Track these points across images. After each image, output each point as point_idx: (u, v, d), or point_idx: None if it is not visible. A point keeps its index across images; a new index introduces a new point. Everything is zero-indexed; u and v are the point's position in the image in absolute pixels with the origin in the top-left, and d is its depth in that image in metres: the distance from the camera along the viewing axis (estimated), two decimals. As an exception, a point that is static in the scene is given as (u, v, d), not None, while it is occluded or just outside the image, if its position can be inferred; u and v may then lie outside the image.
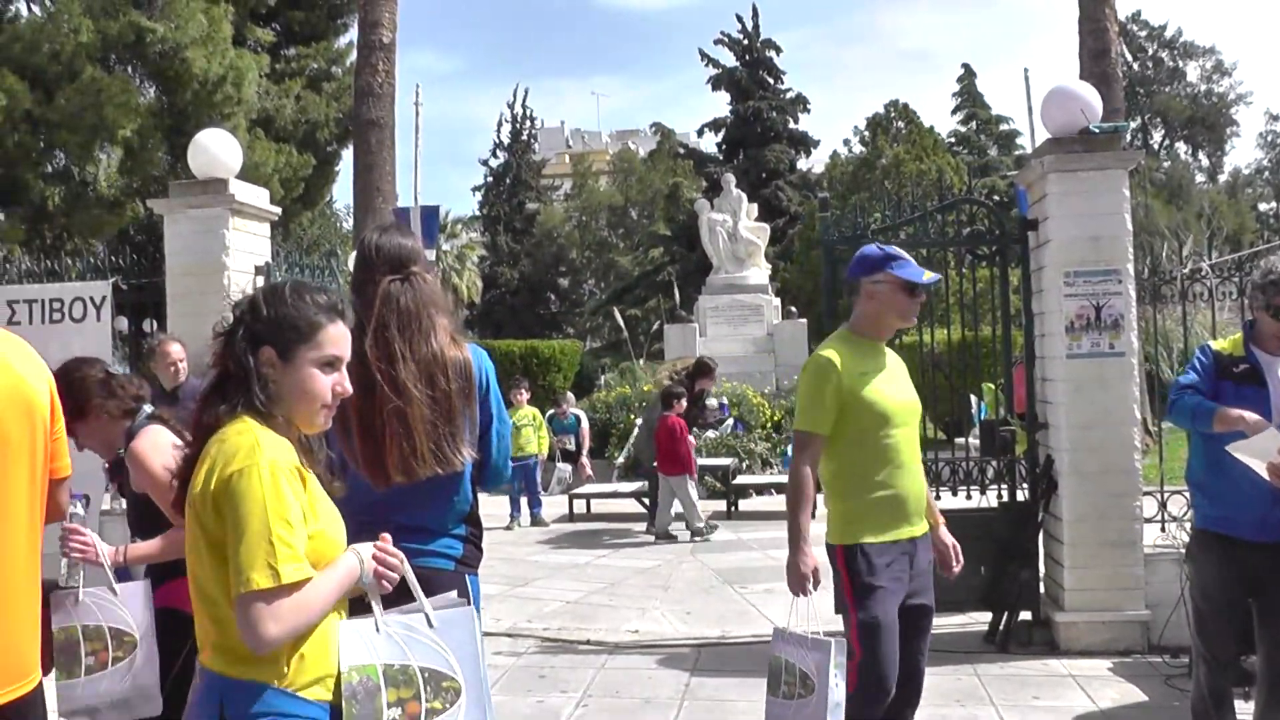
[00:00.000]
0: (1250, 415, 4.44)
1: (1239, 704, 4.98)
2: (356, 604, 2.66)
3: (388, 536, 2.68)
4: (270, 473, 2.43)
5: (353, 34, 24.78)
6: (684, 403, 12.79)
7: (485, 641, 7.27)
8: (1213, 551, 4.80)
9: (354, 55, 20.71)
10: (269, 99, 26.88)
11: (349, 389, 2.73)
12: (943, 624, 7.67)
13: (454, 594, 2.82)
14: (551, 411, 17.18)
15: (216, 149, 8.23)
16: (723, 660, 7.28)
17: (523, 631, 8.01)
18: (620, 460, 17.29)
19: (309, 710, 2.47)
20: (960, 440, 9.70)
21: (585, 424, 16.71)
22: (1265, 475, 4.36)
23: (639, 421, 15.27)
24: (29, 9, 25.24)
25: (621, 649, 7.68)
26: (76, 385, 3.89)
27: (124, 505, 4.53)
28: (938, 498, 8.62)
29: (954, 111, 55.04)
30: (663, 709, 6.35)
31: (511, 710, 6.32)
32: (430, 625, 2.62)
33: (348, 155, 25.01)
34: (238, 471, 2.42)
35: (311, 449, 2.71)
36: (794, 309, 24.11)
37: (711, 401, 16.65)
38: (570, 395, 20.75)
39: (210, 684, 2.48)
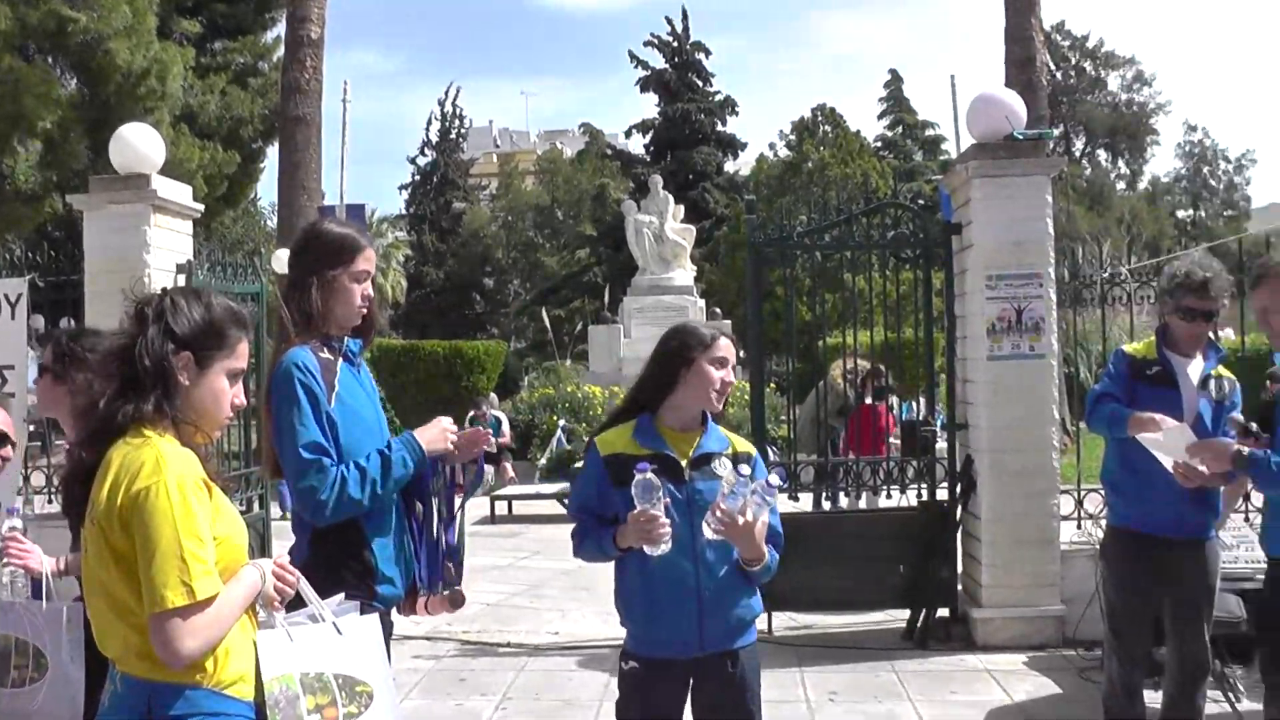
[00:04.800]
0: (1161, 418, 4.57)
1: (1148, 694, 5.11)
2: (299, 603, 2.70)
3: (285, 554, 2.71)
4: (178, 488, 2.40)
5: (281, 29, 24.43)
6: None
7: (404, 645, 7.24)
8: (1127, 548, 4.94)
9: (282, 50, 20.43)
10: (194, 94, 26.38)
11: (245, 401, 2.72)
12: (862, 622, 7.79)
13: (341, 596, 2.84)
14: (472, 413, 17.10)
15: (139, 143, 8.06)
16: None
17: (442, 634, 7.91)
18: (543, 461, 17.26)
19: (236, 708, 2.49)
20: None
21: (506, 426, 16.65)
22: (1172, 471, 4.52)
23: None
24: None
25: (542, 651, 7.64)
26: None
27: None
28: (858, 498, 8.76)
29: (880, 116, 55.69)
30: (583, 710, 6.33)
31: (430, 714, 6.27)
32: (339, 633, 2.69)
33: (273, 152, 24.61)
34: (145, 489, 2.39)
35: (212, 457, 2.68)
36: (718, 310, 24.24)
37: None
38: (493, 397, 20.65)
39: (134, 689, 2.46)
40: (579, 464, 15.54)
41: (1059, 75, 58.65)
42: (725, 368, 3.49)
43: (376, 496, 3.22)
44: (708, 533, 3.30)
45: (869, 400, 10.84)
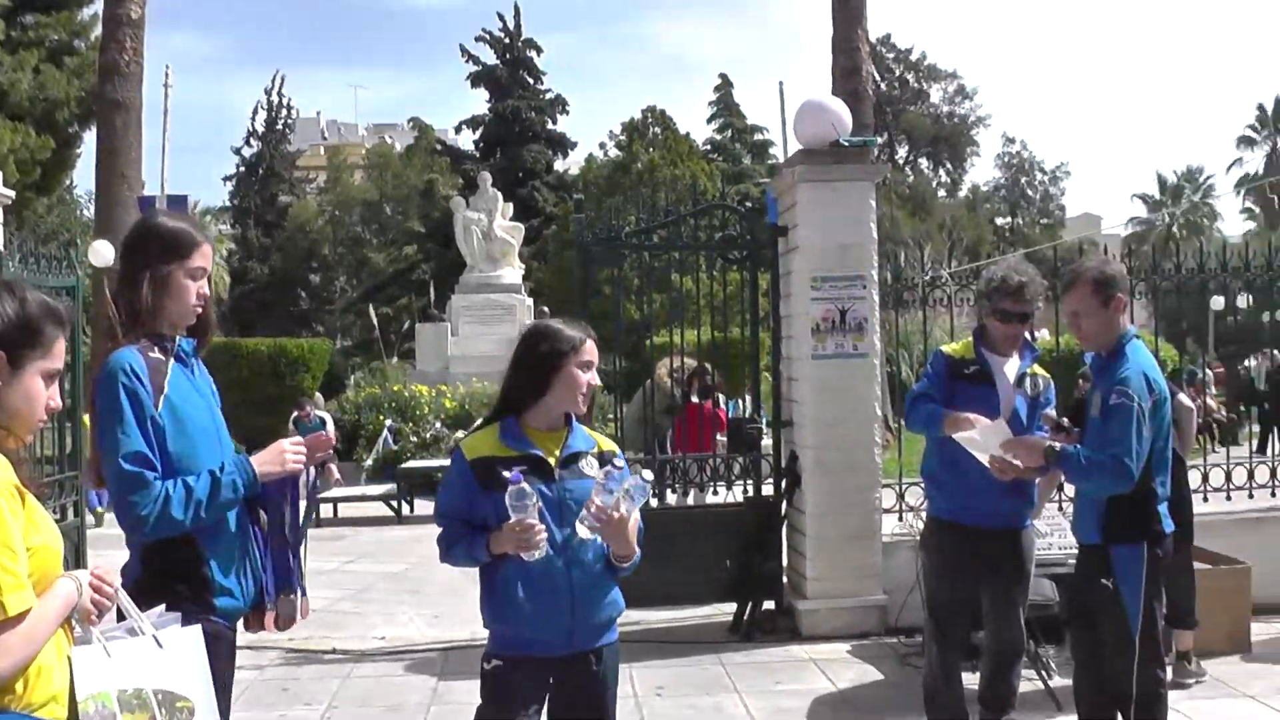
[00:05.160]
0: (975, 417, 4.82)
1: (966, 676, 5.37)
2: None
3: (102, 565, 2.58)
4: None
5: (98, 5, 23.28)
6: None
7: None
8: (945, 538, 5.17)
9: (99, 29, 19.50)
10: (2, 70, 25.08)
11: (60, 404, 2.60)
12: (688, 616, 7.89)
13: (162, 608, 2.73)
14: (296, 414, 16.71)
15: (-60, 123, 7.64)
16: (471, 663, 7.14)
17: (265, 643, 7.56)
18: (369, 463, 16.97)
19: None
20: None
21: (332, 426, 16.30)
22: (988, 465, 4.76)
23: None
24: None
25: (369, 657, 7.50)
26: None
27: None
28: (685, 495, 8.86)
29: (710, 120, 56.32)
30: (410, 715, 6.26)
31: (255, 726, 6.06)
32: (159, 646, 2.59)
33: (91, 138, 23.50)
34: None
35: (25, 462, 2.51)
36: (546, 309, 24.13)
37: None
38: (319, 397, 20.20)
39: None
40: (407, 464, 15.42)
41: (884, 86, 60.23)
42: (591, 370, 3.50)
43: (200, 519, 3.08)
44: (582, 531, 3.30)
45: (695, 399, 10.97)
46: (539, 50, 49.13)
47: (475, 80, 48.33)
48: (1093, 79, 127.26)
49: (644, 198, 9.67)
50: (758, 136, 54.85)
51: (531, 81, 48.73)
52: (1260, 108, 63.46)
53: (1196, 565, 6.68)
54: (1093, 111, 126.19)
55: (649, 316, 11.99)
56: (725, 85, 56.33)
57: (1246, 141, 63.93)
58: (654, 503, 8.68)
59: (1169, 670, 5.61)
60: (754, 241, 8.19)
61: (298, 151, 56.53)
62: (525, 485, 3.21)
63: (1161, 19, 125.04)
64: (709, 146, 53.07)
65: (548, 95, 48.97)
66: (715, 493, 8.36)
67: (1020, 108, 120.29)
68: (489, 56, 48.34)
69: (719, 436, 10.81)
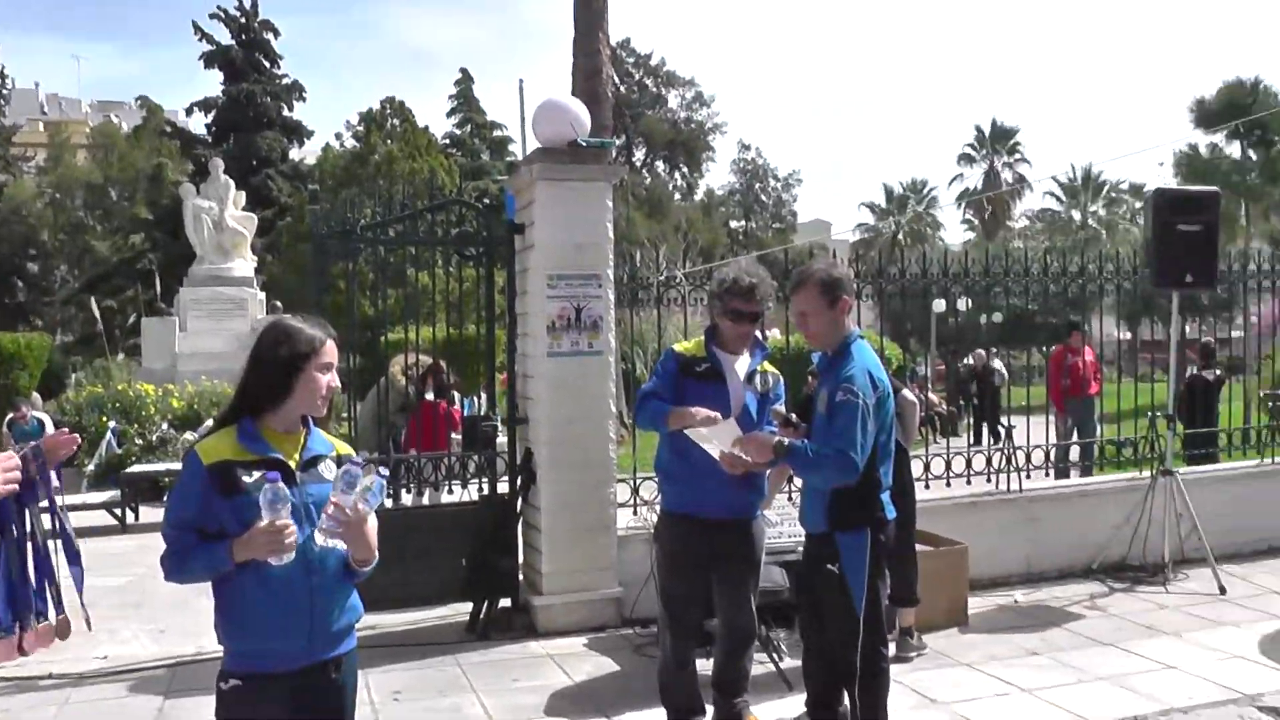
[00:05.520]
0: (701, 411, 4.99)
1: (700, 662, 5.57)
2: None
3: None
4: None
5: None
6: None
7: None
8: (678, 530, 5.32)
9: None
10: None
11: None
12: (425, 618, 7.79)
13: None
14: (10, 416, 15.64)
15: None
16: (200, 678, 6.77)
17: None
18: (91, 468, 16.00)
19: None
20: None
21: (51, 428, 15.28)
22: (719, 460, 4.92)
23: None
24: None
25: (89, 679, 6.99)
26: None
27: None
28: (420, 494, 8.74)
29: (450, 114, 55.92)
30: (135, 740, 5.88)
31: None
32: None
33: None
34: None
35: None
36: (279, 303, 23.42)
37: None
38: (36, 397, 18.98)
39: None
40: (132, 468, 14.60)
41: (623, 89, 61.27)
42: (331, 371, 3.38)
43: None
44: (320, 539, 3.19)
45: (430, 396, 10.84)
46: (276, 33, 47.68)
47: (209, 60, 46.43)
48: (824, 92, 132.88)
49: (381, 190, 9.51)
50: (497, 133, 54.81)
51: (268, 65, 47.20)
52: (979, 129, 69.60)
53: (919, 547, 7.15)
54: (823, 123, 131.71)
55: (384, 313, 11.80)
56: (466, 80, 56.05)
57: (967, 159, 69.62)
58: (389, 503, 8.57)
59: (892, 645, 5.99)
60: (491, 238, 8.15)
61: (14, 126, 52.42)
62: (282, 485, 3.10)
63: (886, 39, 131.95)
64: (448, 141, 52.69)
65: (284, 80, 47.58)
66: (451, 491, 8.28)
67: (755, 116, 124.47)
68: (224, 36, 46.57)
69: (453, 435, 10.75)
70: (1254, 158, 50.91)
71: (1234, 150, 51.93)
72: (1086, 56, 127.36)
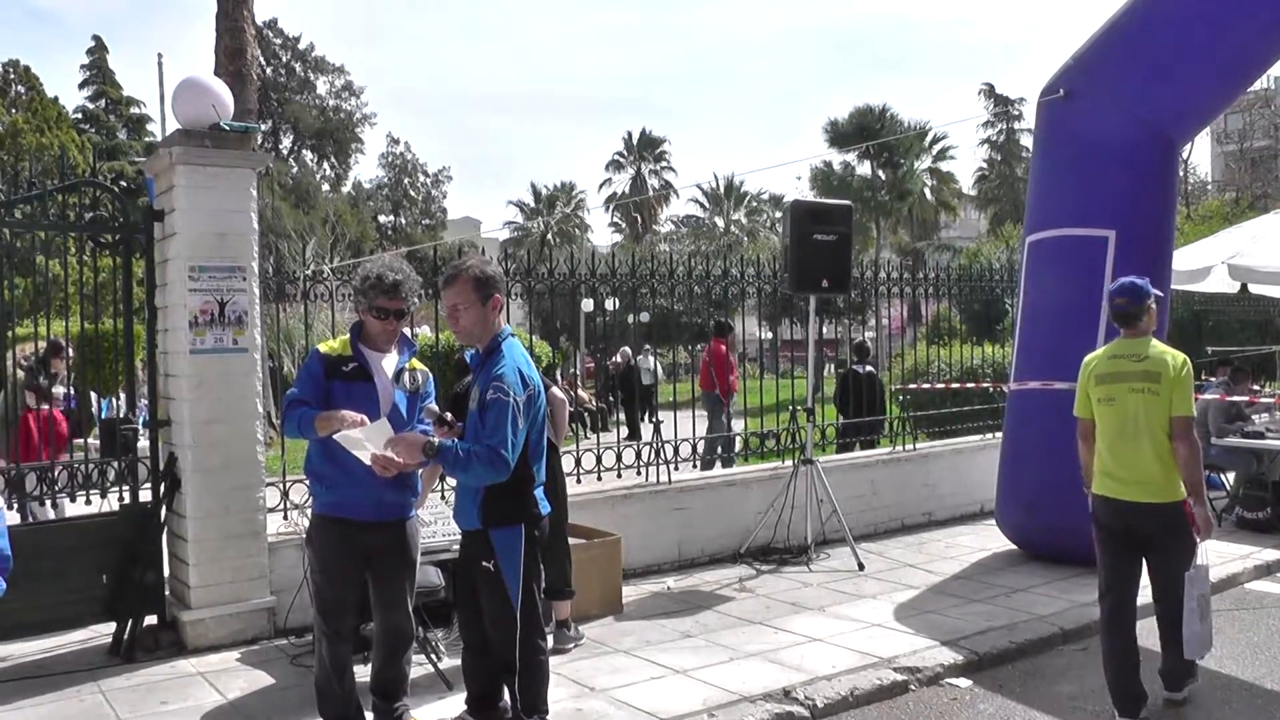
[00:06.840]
0: (349, 414, 4.90)
1: (359, 668, 5.51)
2: None
3: None
4: None
5: None
6: None
7: None
8: (331, 533, 5.18)
9: None
10: None
11: None
12: (62, 643, 7.21)
13: None
14: None
15: None
16: None
17: None
18: None
19: None
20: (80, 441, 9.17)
21: None
22: (370, 464, 4.86)
23: None
24: None
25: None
26: None
27: None
28: (43, 504, 8.08)
29: (83, 86, 52.29)
30: None
31: None
32: None
33: None
34: None
35: None
36: None
37: None
38: None
39: None
40: None
41: (270, 71, 59.21)
42: None
43: None
44: None
45: (56, 387, 9.98)
46: None
47: None
48: (473, 90, 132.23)
49: (5, 166, 8.70)
50: (135, 110, 51.75)
51: None
52: (628, 136, 73.16)
53: (572, 540, 7.29)
54: (473, 121, 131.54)
55: (9, 304, 10.87)
56: (100, 49, 52.58)
57: (616, 165, 72.51)
58: (15, 518, 7.83)
59: (550, 638, 6.06)
60: (128, 225, 7.59)
61: None
62: None
63: (535, 41, 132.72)
64: (80, 115, 49.31)
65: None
66: (89, 502, 7.67)
67: (404, 111, 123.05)
68: None
69: (91, 441, 9.98)
70: (883, 177, 56.45)
71: (865, 169, 57.55)
72: (730, 70, 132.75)
